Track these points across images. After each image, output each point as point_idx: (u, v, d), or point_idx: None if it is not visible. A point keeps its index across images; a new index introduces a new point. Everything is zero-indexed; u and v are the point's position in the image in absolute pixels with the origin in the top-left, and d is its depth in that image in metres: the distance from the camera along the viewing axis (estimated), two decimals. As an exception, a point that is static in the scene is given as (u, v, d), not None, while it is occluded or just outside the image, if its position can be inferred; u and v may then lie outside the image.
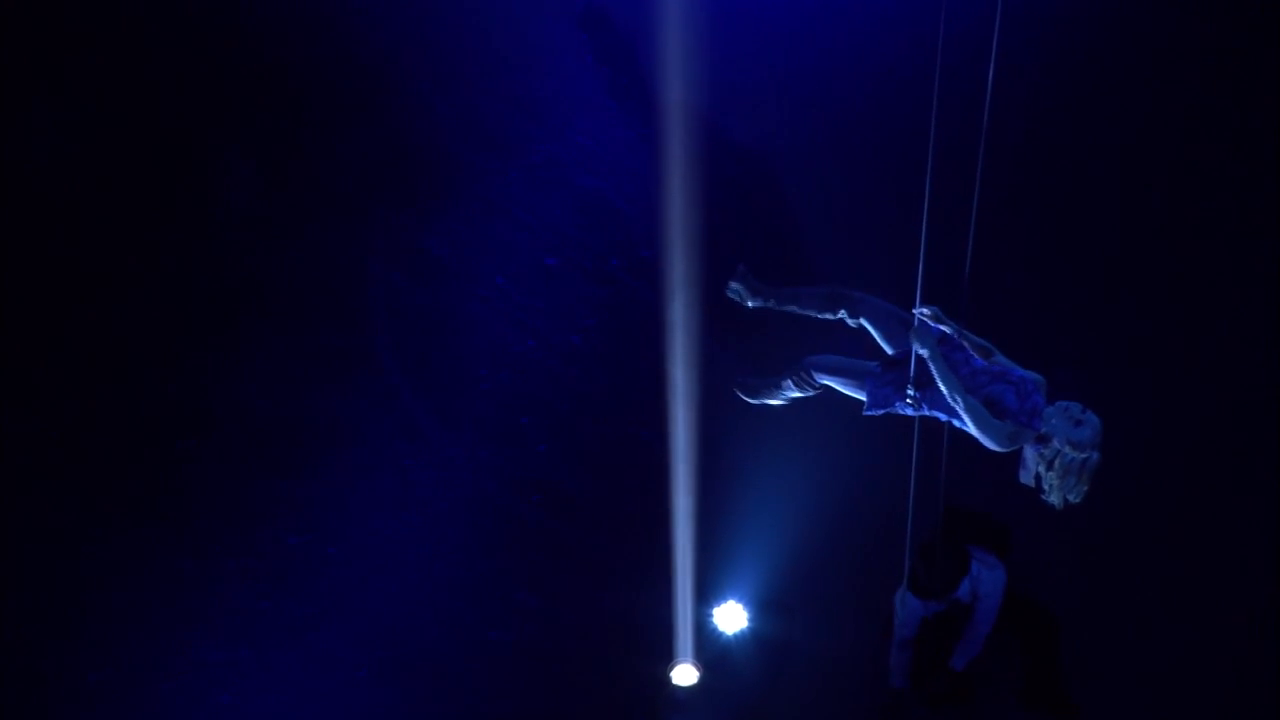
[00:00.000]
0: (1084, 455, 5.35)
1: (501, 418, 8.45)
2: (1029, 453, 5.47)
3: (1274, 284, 8.32)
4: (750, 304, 6.02)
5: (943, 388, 5.38)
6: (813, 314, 5.89)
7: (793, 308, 5.92)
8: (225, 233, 8.80)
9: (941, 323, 5.52)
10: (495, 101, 9.16)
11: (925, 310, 5.51)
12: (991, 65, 5.27)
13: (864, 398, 5.70)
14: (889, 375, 5.64)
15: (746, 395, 6.29)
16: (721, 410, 8.00)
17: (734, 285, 5.94)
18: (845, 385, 5.81)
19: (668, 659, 7.76)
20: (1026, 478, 5.53)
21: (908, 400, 5.55)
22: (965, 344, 5.54)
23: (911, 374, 5.50)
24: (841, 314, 5.84)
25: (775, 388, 6.11)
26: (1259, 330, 8.29)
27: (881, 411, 5.69)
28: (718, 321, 8.31)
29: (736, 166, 9.00)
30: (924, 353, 5.39)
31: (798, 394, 6.05)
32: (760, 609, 7.97)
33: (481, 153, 9.02)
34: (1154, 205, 8.66)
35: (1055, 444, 5.35)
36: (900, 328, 5.64)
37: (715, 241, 8.53)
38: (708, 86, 8.85)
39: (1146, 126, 8.84)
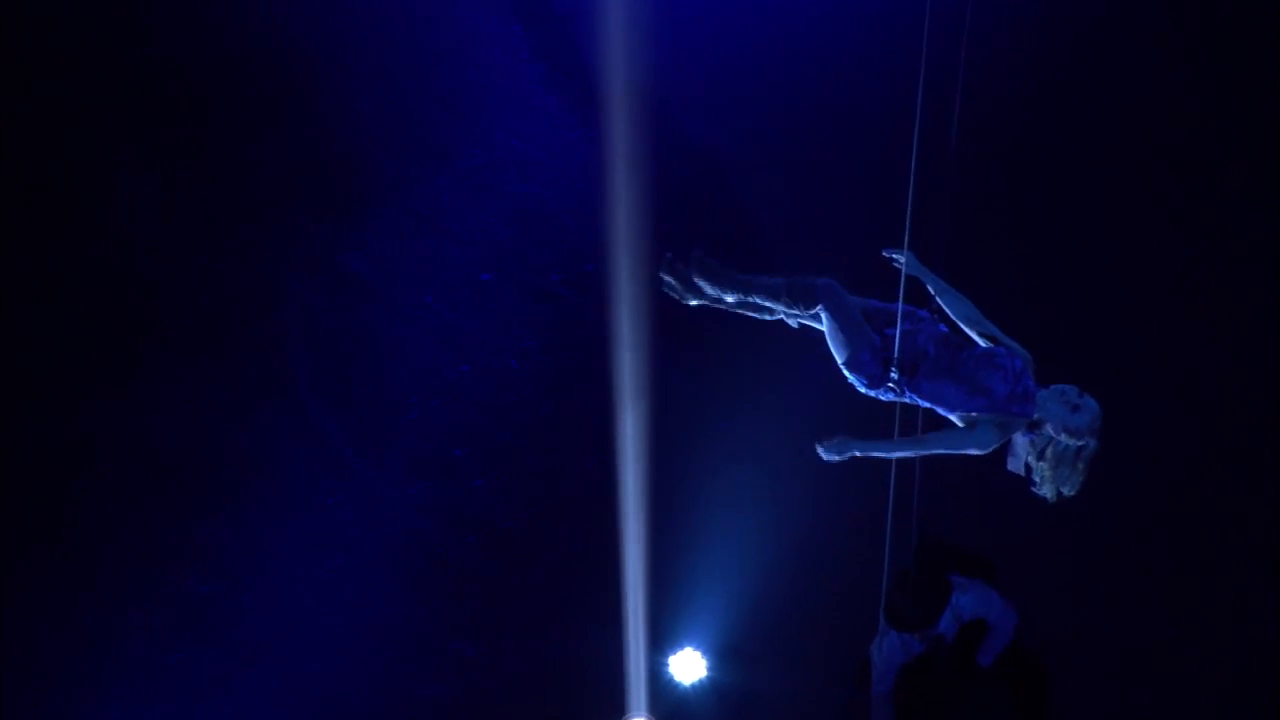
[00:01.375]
0: (1080, 443, 5.34)
1: (433, 450, 8.42)
2: (1019, 440, 5.46)
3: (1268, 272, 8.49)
4: (692, 303, 5.91)
5: (894, 457, 5.49)
6: (754, 314, 5.81)
7: (737, 299, 5.77)
8: (123, 248, 8.71)
9: (919, 272, 5.53)
10: (421, 102, 9.09)
11: (899, 256, 5.50)
12: (963, 51, 5.38)
13: (839, 356, 5.57)
14: (884, 354, 5.56)
15: (703, 277, 5.82)
16: (675, 437, 8.12)
17: (669, 280, 5.85)
18: (838, 336, 5.55)
19: (620, 713, 7.76)
20: (1015, 466, 5.51)
21: (889, 385, 5.48)
22: (944, 306, 5.54)
23: (895, 355, 5.43)
24: (796, 310, 5.70)
25: (740, 286, 5.75)
26: (1257, 319, 8.46)
27: (860, 383, 5.55)
28: (670, 340, 8.30)
29: (687, 169, 9.01)
30: (834, 459, 5.42)
31: (763, 311, 5.79)
32: (720, 656, 7.97)
33: (406, 159, 8.98)
34: (1136, 197, 8.81)
35: (1048, 430, 5.35)
36: (875, 316, 5.60)
37: (665, 252, 8.23)
38: (655, 82, 8.82)
39: (1133, 117, 8.98)
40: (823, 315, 5.58)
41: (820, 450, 5.44)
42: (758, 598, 7.92)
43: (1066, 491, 5.44)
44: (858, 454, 5.42)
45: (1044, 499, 5.48)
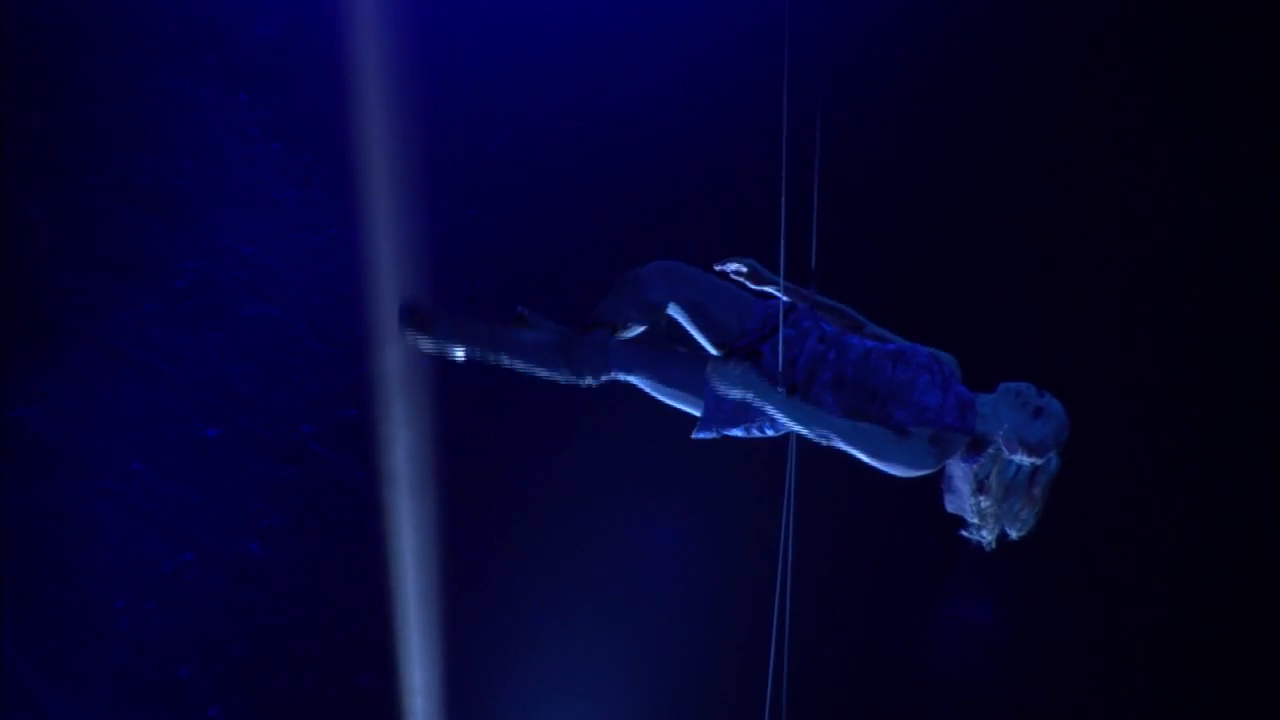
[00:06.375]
0: (1040, 461, 5.10)
1: (150, 670, 8.22)
2: (957, 468, 5.19)
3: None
4: (460, 355, 5.35)
5: (798, 428, 5.05)
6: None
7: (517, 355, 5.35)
8: None
9: (763, 282, 5.35)
10: (113, 201, 8.84)
11: (737, 266, 5.34)
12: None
13: (697, 412, 5.32)
14: (769, 369, 5.28)
15: (419, 331, 5.31)
16: (477, 639, 8.15)
17: (412, 332, 5.28)
18: (668, 392, 5.32)
19: None
20: (958, 505, 5.25)
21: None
22: (821, 314, 5.38)
23: (779, 366, 5.14)
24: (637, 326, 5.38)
25: (508, 342, 5.30)
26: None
27: (721, 433, 5.27)
28: (463, 506, 8.29)
29: (479, 276, 8.88)
30: (742, 395, 5.01)
31: (554, 370, 5.39)
32: None
33: (97, 277, 8.72)
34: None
35: (1000, 447, 5.08)
36: (737, 309, 5.32)
37: (453, 385, 8.38)
38: (429, 160, 8.65)
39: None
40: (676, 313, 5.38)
41: (714, 376, 5.00)
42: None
43: (1015, 532, 5.17)
44: (752, 400, 5.01)
45: (982, 544, 5.20)
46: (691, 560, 8.43)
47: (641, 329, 5.38)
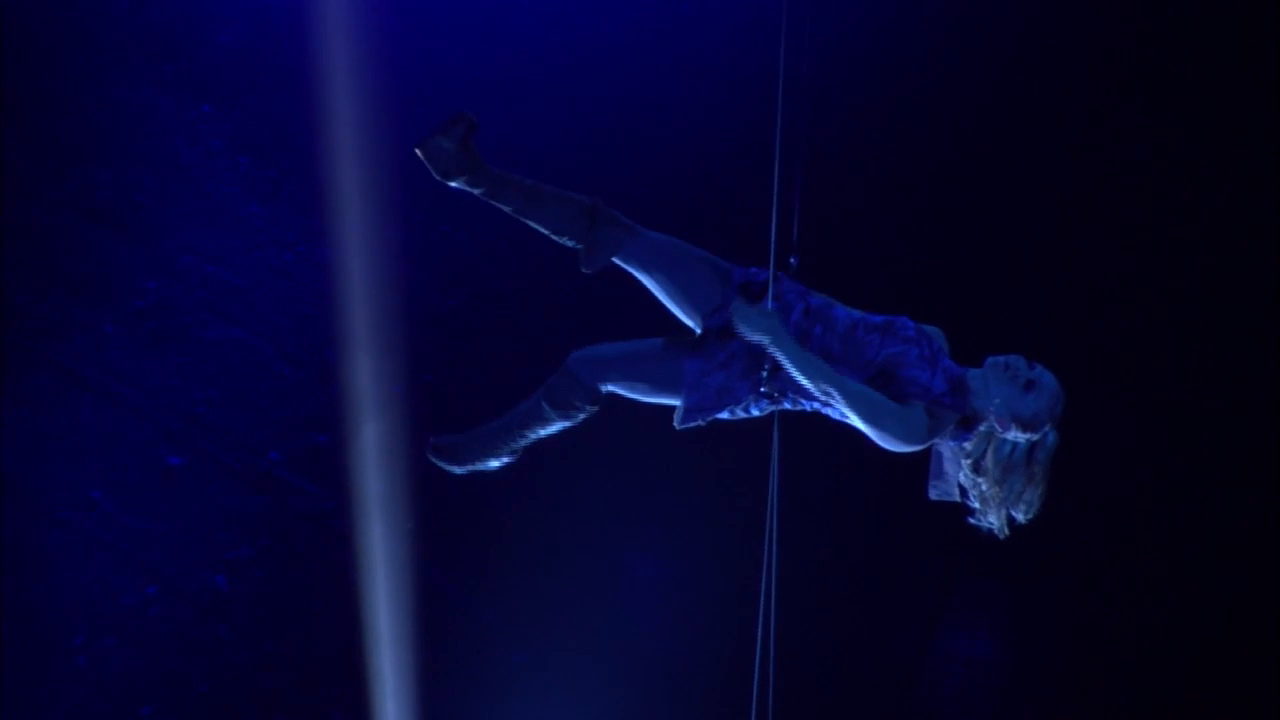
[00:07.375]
0: (1035, 436, 5.08)
1: (110, 709, 8.18)
2: (946, 449, 5.22)
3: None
4: (452, 182, 5.54)
5: (805, 383, 5.01)
6: (545, 230, 5.48)
7: (512, 207, 5.48)
8: None
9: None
10: (69, 216, 8.70)
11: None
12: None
13: (679, 402, 5.31)
14: (718, 353, 5.24)
15: (449, 462, 5.70)
16: (454, 678, 8.17)
17: (439, 139, 5.45)
18: (647, 389, 5.36)
19: None
20: (945, 490, 5.26)
21: (761, 391, 5.17)
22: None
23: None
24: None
25: (511, 434, 5.59)
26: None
27: (708, 418, 5.25)
28: (442, 538, 8.29)
29: (454, 294, 8.83)
30: (760, 339, 5.02)
31: (558, 426, 5.58)
32: None
33: (53, 298, 8.60)
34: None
35: (990, 425, 5.06)
36: (713, 277, 5.34)
37: (430, 412, 8.41)
38: (402, 173, 8.50)
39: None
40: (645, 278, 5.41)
41: (738, 317, 4.99)
42: None
43: (1021, 515, 5.12)
44: (767, 345, 4.99)
45: (991, 532, 5.16)
46: (672, 593, 8.44)
47: (586, 247, 5.40)
